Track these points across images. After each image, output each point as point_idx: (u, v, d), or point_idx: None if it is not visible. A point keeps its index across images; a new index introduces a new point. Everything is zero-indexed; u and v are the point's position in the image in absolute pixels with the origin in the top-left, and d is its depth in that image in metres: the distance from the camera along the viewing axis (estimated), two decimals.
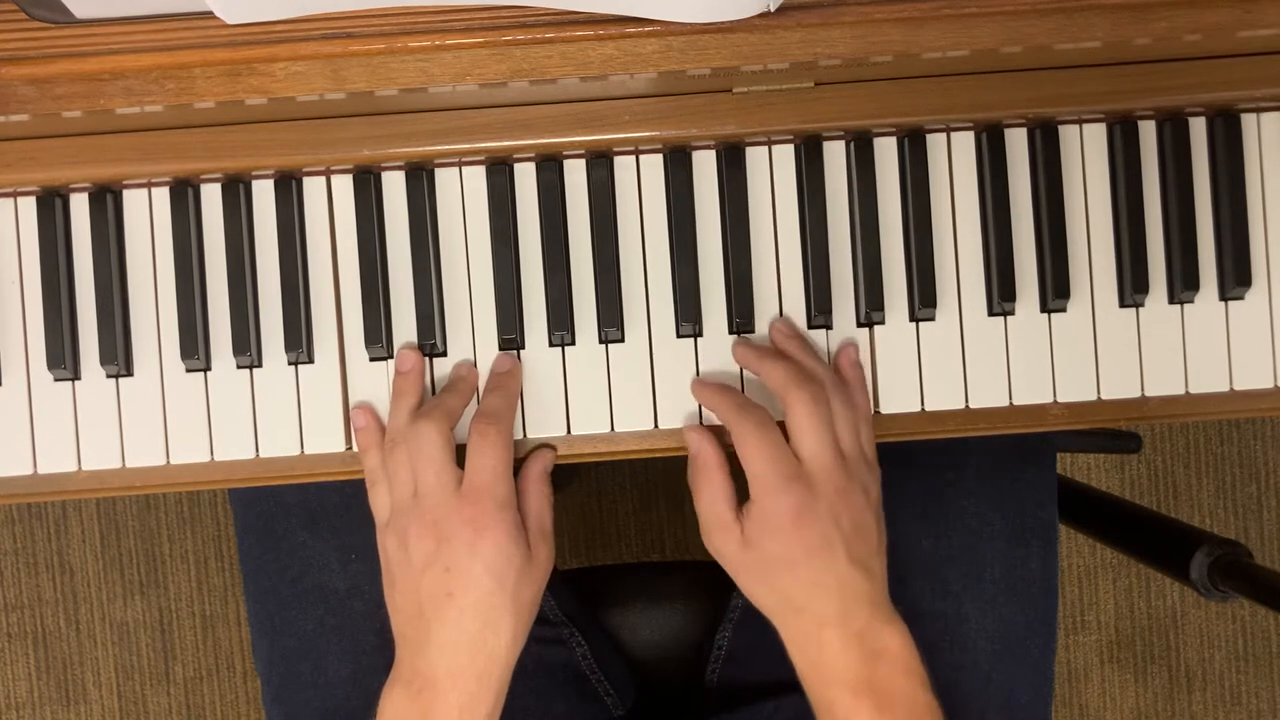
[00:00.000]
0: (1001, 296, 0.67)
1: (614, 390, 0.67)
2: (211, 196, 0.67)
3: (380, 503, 0.64)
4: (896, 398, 0.67)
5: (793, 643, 0.62)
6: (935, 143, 0.67)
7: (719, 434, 0.65)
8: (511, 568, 0.62)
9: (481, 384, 0.67)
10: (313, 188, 0.67)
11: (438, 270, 0.67)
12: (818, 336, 0.68)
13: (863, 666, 0.60)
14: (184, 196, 0.66)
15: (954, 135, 0.67)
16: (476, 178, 0.67)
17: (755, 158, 0.67)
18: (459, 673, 0.61)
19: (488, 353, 0.67)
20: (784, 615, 0.62)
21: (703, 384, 0.66)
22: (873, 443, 0.65)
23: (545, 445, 0.67)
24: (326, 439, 0.67)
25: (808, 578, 0.61)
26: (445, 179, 0.67)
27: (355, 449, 0.67)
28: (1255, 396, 0.68)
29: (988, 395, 0.67)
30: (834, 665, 0.61)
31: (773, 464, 0.61)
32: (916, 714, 0.60)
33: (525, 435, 0.67)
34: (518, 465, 0.66)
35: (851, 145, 0.67)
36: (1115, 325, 0.67)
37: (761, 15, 0.57)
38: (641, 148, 0.67)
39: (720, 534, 0.63)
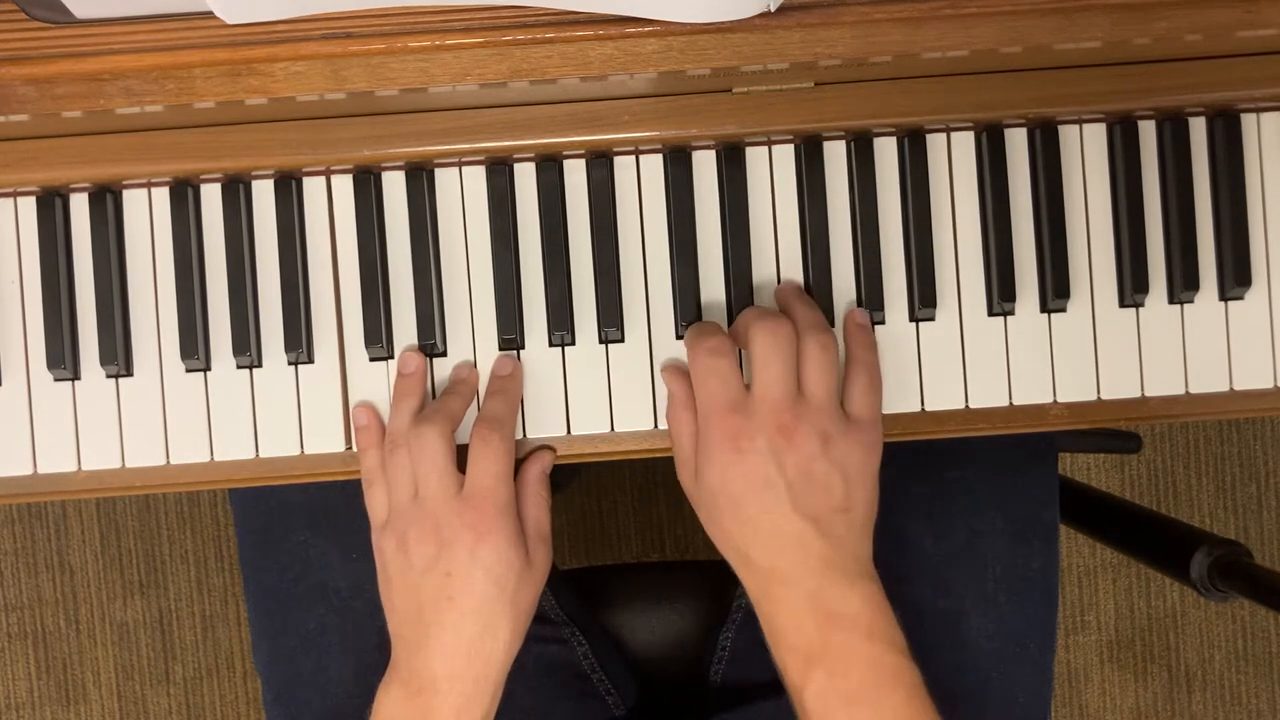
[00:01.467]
0: (1001, 296, 0.67)
1: (614, 390, 0.67)
2: (211, 196, 0.67)
3: (377, 503, 0.64)
4: (896, 398, 0.67)
5: (750, 595, 0.61)
6: (935, 143, 0.67)
7: None
8: (511, 572, 0.62)
9: (482, 387, 0.67)
10: (313, 188, 0.67)
11: (438, 270, 0.67)
12: None
13: (816, 632, 0.58)
14: (184, 196, 0.66)
15: (954, 135, 0.67)
16: (476, 178, 0.67)
17: (755, 158, 0.67)
18: (457, 676, 0.61)
19: (488, 353, 0.67)
20: (736, 563, 0.62)
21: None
22: (869, 398, 0.63)
23: (544, 447, 0.67)
24: (326, 439, 0.67)
25: (746, 518, 0.59)
26: (445, 179, 0.67)
27: (355, 449, 0.67)
28: (1255, 396, 0.68)
29: (988, 395, 0.67)
30: (785, 628, 0.59)
31: (716, 393, 0.60)
32: (879, 678, 0.57)
33: (525, 435, 0.67)
34: (517, 466, 0.66)
35: (851, 145, 0.67)
36: (1115, 325, 0.67)
37: (761, 15, 0.57)
38: (641, 148, 0.67)
39: (681, 468, 0.64)
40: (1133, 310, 0.67)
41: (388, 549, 0.63)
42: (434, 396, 0.66)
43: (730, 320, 0.67)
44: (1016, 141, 0.67)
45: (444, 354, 0.67)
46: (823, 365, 0.61)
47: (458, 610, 0.61)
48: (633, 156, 0.67)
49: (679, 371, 0.65)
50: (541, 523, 0.65)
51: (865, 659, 0.57)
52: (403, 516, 0.62)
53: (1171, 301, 0.68)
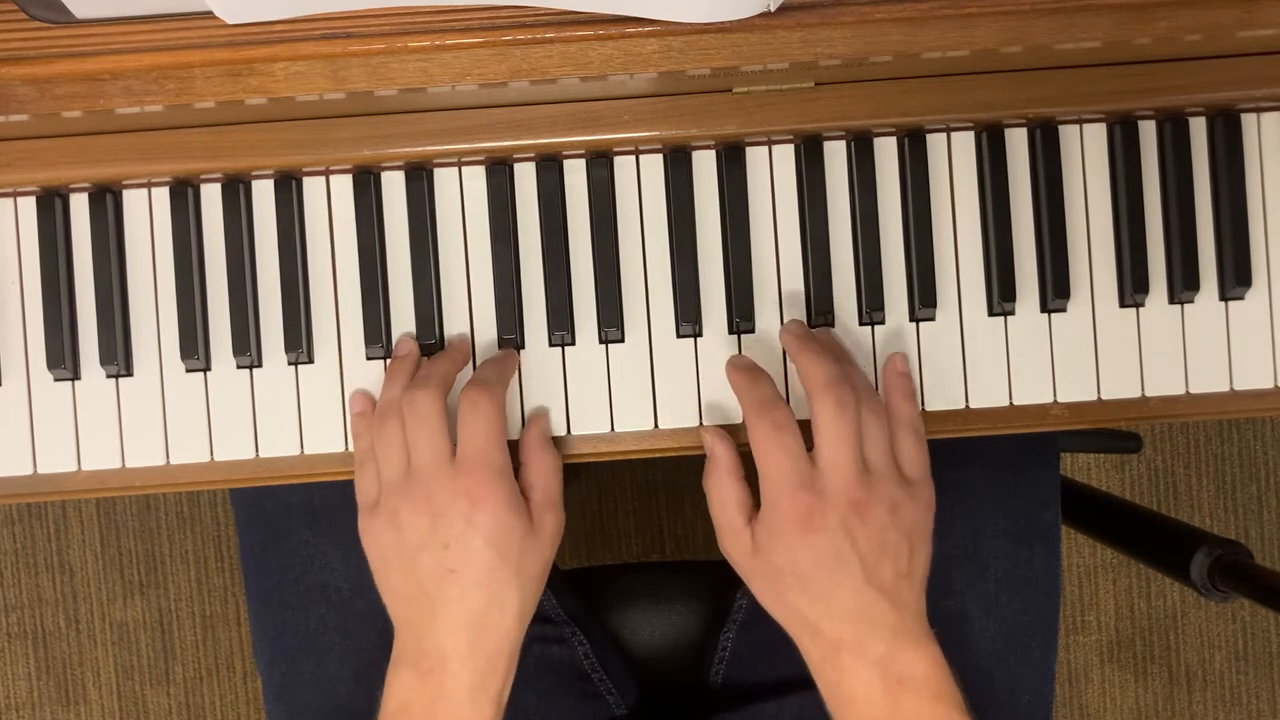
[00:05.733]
0: (1001, 296, 0.67)
1: (614, 390, 0.67)
2: (211, 196, 0.67)
3: (367, 485, 0.63)
4: None
5: (811, 663, 0.61)
6: (935, 143, 0.67)
7: (737, 433, 0.65)
8: (514, 539, 0.60)
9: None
10: (313, 188, 0.67)
11: (437, 270, 0.67)
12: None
13: (885, 698, 0.57)
14: (184, 196, 0.66)
15: (954, 135, 0.67)
16: (476, 178, 0.67)
17: (755, 158, 0.67)
18: (467, 653, 0.59)
19: (487, 353, 0.67)
20: (799, 633, 0.61)
21: (735, 366, 0.65)
22: (918, 456, 0.62)
23: (537, 411, 0.67)
24: (326, 439, 0.67)
25: (817, 594, 0.59)
26: (445, 179, 0.67)
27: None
28: (1255, 396, 0.68)
29: (988, 395, 0.67)
30: (854, 696, 0.58)
31: (784, 470, 0.59)
32: None
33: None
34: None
35: (851, 145, 0.67)
36: (1115, 325, 0.67)
37: (761, 15, 0.57)
38: (641, 148, 0.67)
39: (730, 540, 0.62)
40: (1133, 310, 0.67)
41: (379, 528, 0.61)
42: None
43: (731, 320, 0.67)
44: (1016, 141, 0.67)
45: None
46: (881, 434, 0.60)
47: (460, 584, 0.59)
48: (633, 156, 0.67)
49: (720, 433, 0.64)
50: (549, 488, 0.63)
51: None
52: (394, 492, 0.61)
53: (1172, 301, 0.67)
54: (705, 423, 0.66)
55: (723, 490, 0.62)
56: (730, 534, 0.62)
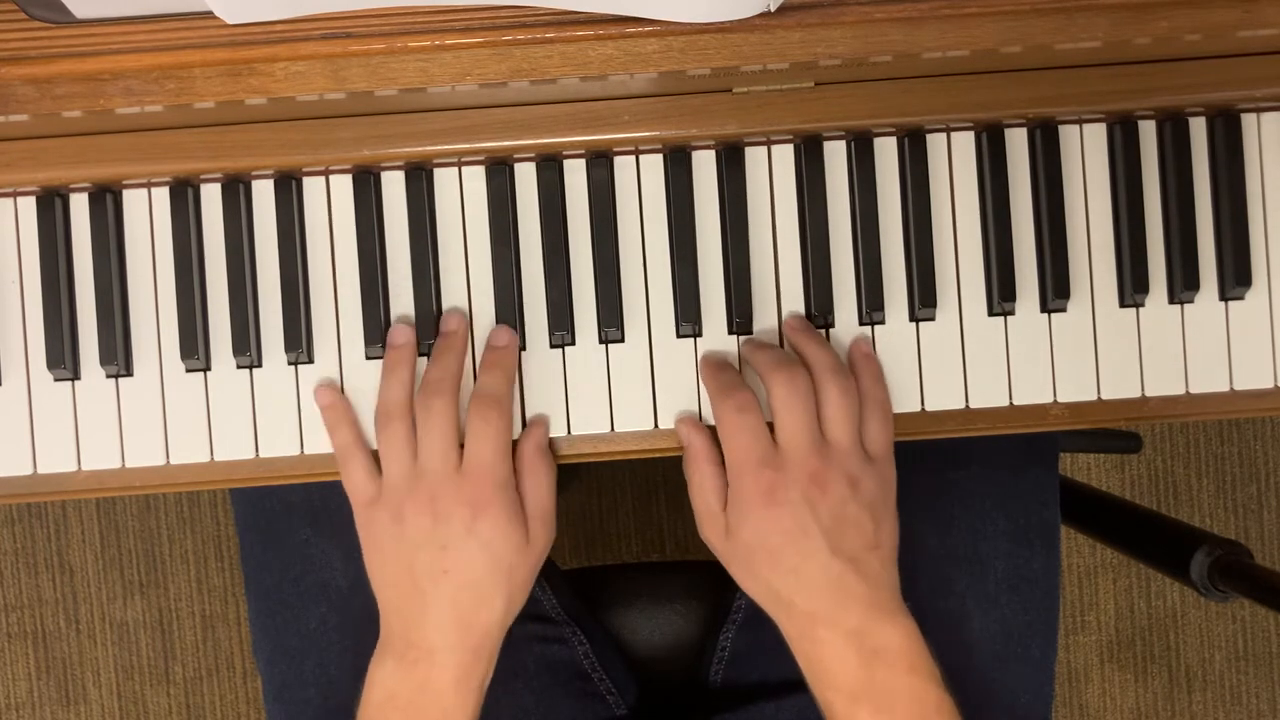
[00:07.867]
0: (1001, 296, 0.67)
1: (614, 390, 0.67)
2: (211, 196, 0.67)
3: (358, 479, 0.64)
4: (896, 398, 0.67)
5: (789, 638, 0.62)
6: (935, 143, 0.67)
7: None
8: (509, 547, 0.62)
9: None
10: (312, 188, 0.67)
11: (437, 270, 0.67)
12: None
13: (860, 669, 0.59)
14: (184, 196, 0.66)
15: (954, 135, 0.67)
16: (476, 178, 0.67)
17: (755, 158, 0.67)
18: (453, 647, 0.62)
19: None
20: (775, 611, 0.62)
21: (704, 361, 0.66)
22: (882, 435, 0.64)
23: (536, 419, 0.67)
24: (326, 439, 0.67)
25: (787, 567, 0.60)
26: (445, 179, 0.67)
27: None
28: (1255, 396, 0.68)
29: (988, 395, 0.67)
30: (829, 668, 0.60)
31: (747, 449, 0.61)
32: (922, 712, 0.59)
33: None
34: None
35: (851, 145, 0.67)
36: (1115, 325, 0.67)
37: (761, 15, 0.57)
38: (641, 148, 0.67)
39: (707, 524, 0.64)
40: (1133, 310, 0.67)
41: (381, 521, 0.63)
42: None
43: (731, 320, 0.67)
44: (1016, 141, 0.67)
45: None
46: (844, 409, 0.62)
47: (454, 584, 0.61)
48: (633, 156, 0.67)
49: (696, 423, 0.66)
50: (543, 500, 0.65)
51: (908, 694, 0.59)
52: (397, 491, 0.62)
53: (1172, 301, 0.68)
54: (705, 423, 0.66)
55: (700, 476, 0.64)
56: (708, 518, 0.64)
